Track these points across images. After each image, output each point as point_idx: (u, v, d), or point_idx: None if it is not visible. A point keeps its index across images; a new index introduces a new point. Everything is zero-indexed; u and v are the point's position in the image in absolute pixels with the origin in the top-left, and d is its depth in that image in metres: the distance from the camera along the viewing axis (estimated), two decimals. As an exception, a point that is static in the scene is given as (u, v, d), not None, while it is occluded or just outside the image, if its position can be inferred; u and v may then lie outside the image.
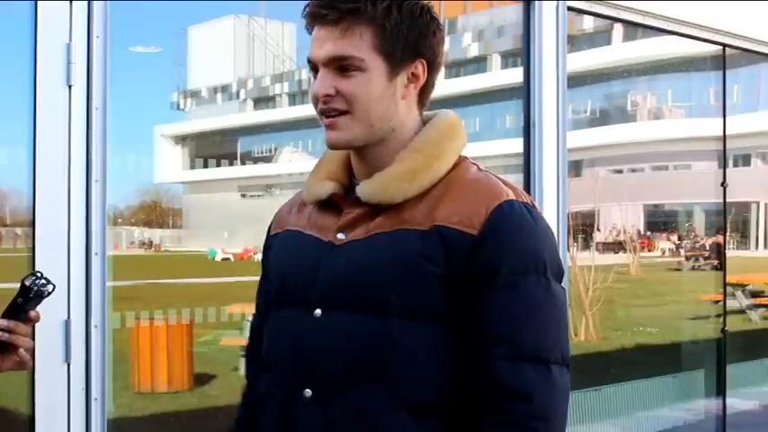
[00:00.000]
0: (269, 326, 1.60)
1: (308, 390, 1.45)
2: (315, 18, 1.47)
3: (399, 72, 1.49)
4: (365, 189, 1.49)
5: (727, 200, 5.41)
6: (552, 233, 1.52)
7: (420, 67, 1.50)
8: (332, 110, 1.47)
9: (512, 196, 1.46)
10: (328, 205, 1.55)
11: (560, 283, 1.49)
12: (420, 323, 1.42)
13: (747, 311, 12.36)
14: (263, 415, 1.54)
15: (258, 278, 1.71)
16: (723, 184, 5.23)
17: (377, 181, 1.49)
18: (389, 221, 1.46)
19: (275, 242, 1.65)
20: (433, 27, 1.51)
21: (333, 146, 1.51)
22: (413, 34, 1.48)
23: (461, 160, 1.54)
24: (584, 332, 10.65)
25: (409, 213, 1.46)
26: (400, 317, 1.41)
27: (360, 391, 1.42)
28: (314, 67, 1.49)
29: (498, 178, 1.52)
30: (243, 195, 45.53)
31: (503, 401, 1.38)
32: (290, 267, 1.57)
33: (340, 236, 1.49)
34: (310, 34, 1.50)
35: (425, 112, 1.58)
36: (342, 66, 1.45)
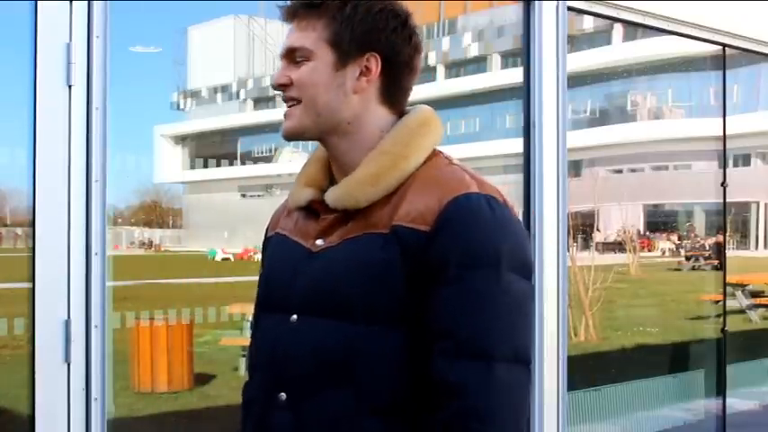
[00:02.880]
0: (256, 329, 1.62)
1: (282, 393, 1.47)
2: (282, 14, 1.54)
3: (348, 63, 1.49)
4: (332, 195, 1.49)
5: (727, 200, 5.40)
6: (520, 226, 1.47)
7: (373, 61, 1.49)
8: (288, 98, 1.51)
9: (473, 189, 1.42)
10: (310, 211, 1.55)
11: (527, 277, 1.43)
12: (384, 327, 1.40)
13: (747, 311, 12.37)
14: (249, 419, 1.57)
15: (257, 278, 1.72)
16: (723, 184, 5.21)
17: (343, 186, 1.49)
18: (358, 226, 1.46)
19: (269, 245, 1.67)
20: (394, 24, 1.50)
21: (286, 135, 1.54)
22: (364, 27, 1.49)
23: (434, 155, 1.51)
24: (584, 332, 10.65)
25: (377, 216, 1.45)
26: (365, 321, 1.40)
27: (328, 395, 1.42)
28: None
29: (466, 171, 1.47)
30: (243, 195, 45.57)
31: (441, 398, 1.36)
32: (274, 273, 1.59)
33: (318, 242, 1.50)
34: None
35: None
36: (294, 57, 1.50)
